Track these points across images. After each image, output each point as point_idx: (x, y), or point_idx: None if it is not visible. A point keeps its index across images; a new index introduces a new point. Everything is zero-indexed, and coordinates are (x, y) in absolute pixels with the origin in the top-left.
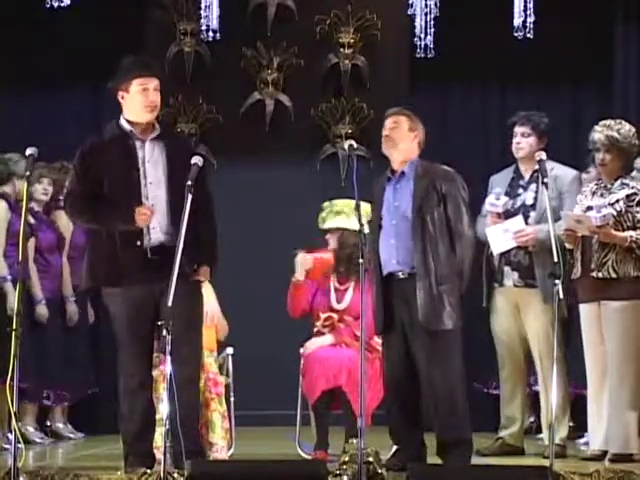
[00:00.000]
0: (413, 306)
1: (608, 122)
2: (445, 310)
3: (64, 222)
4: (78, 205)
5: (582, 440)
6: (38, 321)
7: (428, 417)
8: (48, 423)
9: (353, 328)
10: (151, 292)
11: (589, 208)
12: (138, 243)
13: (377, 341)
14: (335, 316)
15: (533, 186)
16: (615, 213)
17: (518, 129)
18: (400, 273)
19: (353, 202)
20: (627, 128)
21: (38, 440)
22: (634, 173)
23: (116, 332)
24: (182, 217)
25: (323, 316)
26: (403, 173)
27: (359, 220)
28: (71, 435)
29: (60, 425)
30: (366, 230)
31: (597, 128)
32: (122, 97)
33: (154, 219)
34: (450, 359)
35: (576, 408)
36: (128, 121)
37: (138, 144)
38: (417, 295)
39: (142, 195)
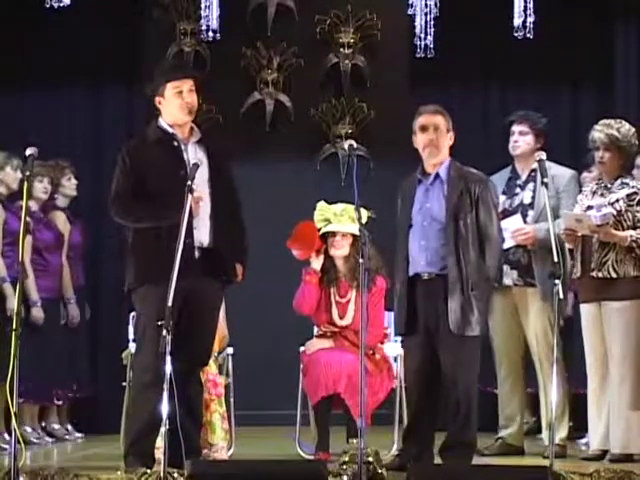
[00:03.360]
0: (440, 308)
1: (608, 121)
2: (474, 316)
3: (62, 222)
4: (128, 204)
5: (583, 440)
6: (34, 323)
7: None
8: (43, 424)
9: (355, 340)
10: (180, 290)
11: (589, 207)
12: (187, 240)
13: (380, 347)
14: (336, 329)
15: (531, 185)
16: (615, 212)
17: (516, 127)
18: (426, 274)
19: (348, 206)
20: (627, 127)
21: (35, 440)
22: (635, 171)
23: (140, 329)
24: (182, 217)
25: (325, 329)
26: (437, 175)
27: (359, 220)
28: (67, 436)
29: (55, 426)
30: (365, 231)
31: (597, 127)
32: (159, 102)
33: (199, 220)
34: (473, 363)
35: (576, 408)
36: (168, 124)
37: (182, 146)
38: (449, 299)
39: None
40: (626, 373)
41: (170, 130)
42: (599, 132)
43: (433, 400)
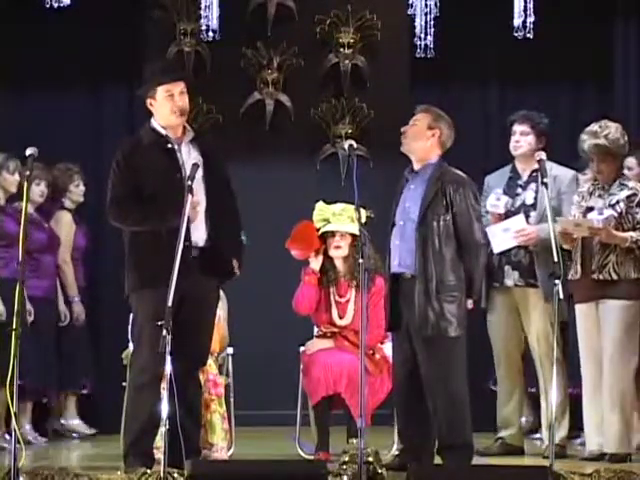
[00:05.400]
0: (412, 308)
1: (594, 128)
2: (443, 318)
3: (67, 222)
4: (126, 207)
5: (578, 440)
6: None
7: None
8: (62, 422)
9: (355, 340)
10: (177, 290)
11: (589, 209)
12: (186, 243)
13: (380, 347)
14: (336, 330)
15: (533, 185)
16: (616, 214)
17: (517, 127)
18: (402, 274)
19: (347, 206)
20: (612, 130)
21: (33, 440)
22: (625, 171)
23: (137, 329)
24: (182, 217)
25: (325, 330)
26: (417, 174)
27: (359, 220)
28: (87, 431)
29: (75, 422)
30: (365, 232)
31: (583, 137)
32: (151, 104)
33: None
34: (449, 365)
35: (572, 408)
36: (161, 126)
37: (175, 147)
38: (416, 300)
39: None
40: (621, 373)
41: (163, 132)
42: (587, 144)
43: (422, 398)
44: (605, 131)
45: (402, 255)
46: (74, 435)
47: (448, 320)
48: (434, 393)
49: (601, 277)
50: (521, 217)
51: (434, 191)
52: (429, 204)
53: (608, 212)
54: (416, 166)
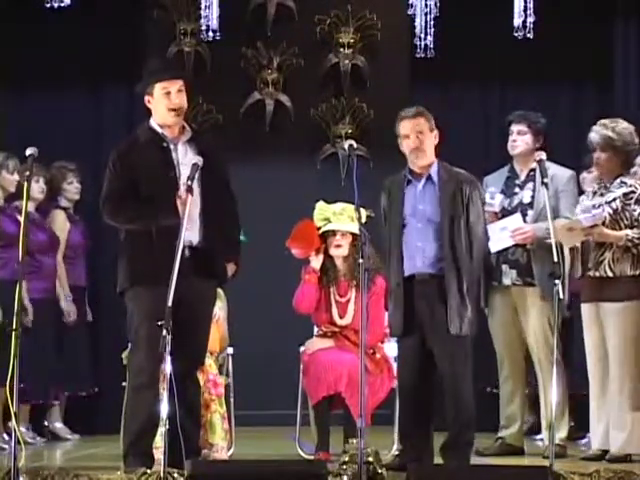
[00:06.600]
0: (436, 309)
1: (604, 121)
2: (466, 315)
3: (61, 221)
4: (119, 205)
5: (583, 441)
6: (24, 325)
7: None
8: (46, 423)
9: (356, 340)
10: (175, 290)
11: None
12: (177, 241)
13: (380, 346)
14: (337, 329)
15: (530, 185)
16: (612, 211)
17: (514, 127)
18: (422, 275)
19: (347, 205)
20: (623, 126)
21: (30, 440)
22: (635, 169)
23: (135, 329)
24: (182, 217)
25: (325, 329)
26: (429, 177)
27: (359, 220)
28: (68, 436)
29: (58, 425)
30: (365, 231)
31: (594, 128)
32: (149, 101)
33: (188, 222)
34: (467, 363)
35: (577, 408)
36: (158, 124)
37: (171, 146)
38: (448, 300)
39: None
40: (626, 374)
41: (159, 130)
42: (595, 133)
43: (427, 400)
44: (614, 124)
45: (426, 256)
46: (68, 437)
47: (469, 318)
48: (455, 391)
49: (597, 274)
50: (518, 216)
51: (451, 191)
52: (449, 204)
53: (595, 210)
54: (422, 170)
